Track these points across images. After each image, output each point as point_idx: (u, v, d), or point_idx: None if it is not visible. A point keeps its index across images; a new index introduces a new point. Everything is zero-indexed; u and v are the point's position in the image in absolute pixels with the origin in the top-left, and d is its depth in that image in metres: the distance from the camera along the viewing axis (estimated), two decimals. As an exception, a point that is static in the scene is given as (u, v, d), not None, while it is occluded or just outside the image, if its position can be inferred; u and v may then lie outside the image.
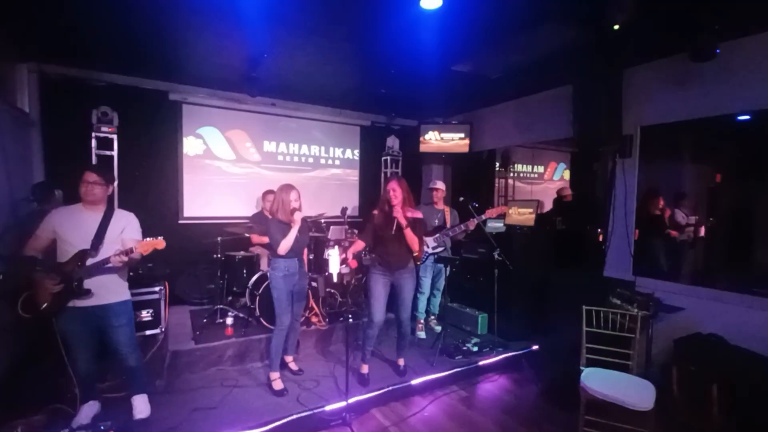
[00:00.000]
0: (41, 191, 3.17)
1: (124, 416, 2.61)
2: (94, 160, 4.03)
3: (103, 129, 4.03)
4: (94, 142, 4.04)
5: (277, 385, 3.05)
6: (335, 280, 2.73)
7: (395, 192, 3.07)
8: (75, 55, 3.80)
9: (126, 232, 2.50)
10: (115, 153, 4.13)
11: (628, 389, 2.39)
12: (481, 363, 3.66)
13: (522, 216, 4.39)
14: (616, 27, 2.70)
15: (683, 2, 2.61)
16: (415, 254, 4.12)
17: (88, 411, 2.57)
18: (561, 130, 4.33)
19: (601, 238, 4.12)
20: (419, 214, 3.23)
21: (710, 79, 3.19)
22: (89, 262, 2.37)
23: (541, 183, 7.85)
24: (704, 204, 4.74)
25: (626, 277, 3.67)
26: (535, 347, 4.00)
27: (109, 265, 2.35)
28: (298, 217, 2.93)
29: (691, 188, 4.81)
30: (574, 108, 3.80)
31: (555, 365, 3.55)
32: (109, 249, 2.40)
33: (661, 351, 3.16)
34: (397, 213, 2.97)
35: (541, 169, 7.88)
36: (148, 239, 2.41)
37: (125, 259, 2.33)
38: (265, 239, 3.19)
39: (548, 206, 5.90)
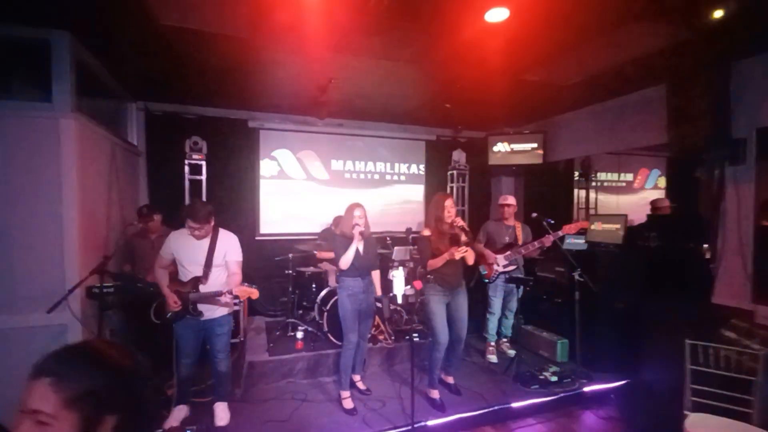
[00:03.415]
0: (145, 213, 3.62)
1: (207, 421, 2.83)
2: (187, 185, 4.53)
3: (194, 156, 4.53)
4: (186, 168, 4.55)
5: (348, 404, 3.08)
6: (399, 301, 2.68)
7: (452, 210, 3.03)
8: (172, 93, 4.35)
9: (228, 255, 2.77)
10: (203, 177, 4.61)
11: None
12: (562, 395, 3.32)
13: (607, 232, 3.95)
14: None
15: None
16: (484, 273, 3.97)
17: (178, 414, 2.82)
18: (652, 136, 3.85)
19: (708, 257, 3.53)
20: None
21: None
22: (201, 287, 2.70)
23: (631, 193, 7.02)
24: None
25: (743, 305, 3.09)
26: (626, 382, 3.53)
27: (218, 298, 2.65)
28: (356, 231, 2.99)
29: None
30: (669, 110, 3.37)
31: (651, 405, 3.10)
32: (216, 273, 2.74)
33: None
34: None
35: (629, 176, 7.04)
36: (245, 286, 2.65)
37: (229, 299, 2.65)
38: (331, 254, 3.31)
39: (639, 219, 5.24)
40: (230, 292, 2.60)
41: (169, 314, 2.71)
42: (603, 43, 2.99)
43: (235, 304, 3.79)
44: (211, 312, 2.75)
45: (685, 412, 2.36)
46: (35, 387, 0.71)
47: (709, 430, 2.10)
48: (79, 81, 2.98)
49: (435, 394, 3.16)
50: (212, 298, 2.65)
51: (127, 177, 4.12)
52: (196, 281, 2.69)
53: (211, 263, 2.70)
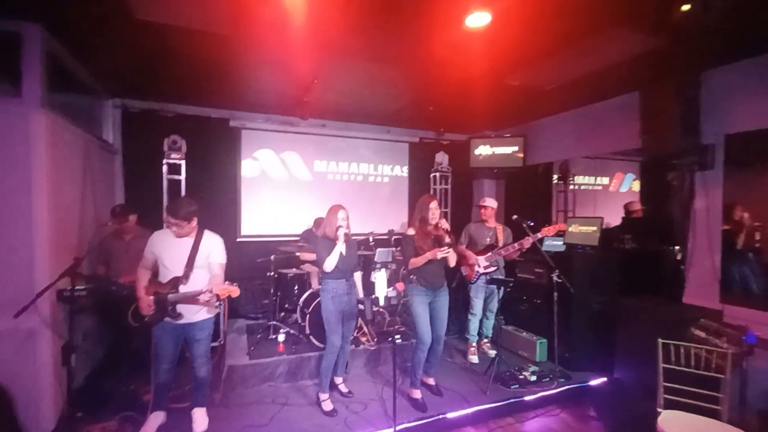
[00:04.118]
0: (118, 213, 3.51)
1: (184, 427, 2.76)
2: (165, 185, 4.41)
3: (173, 156, 4.42)
4: (165, 168, 4.43)
5: (327, 406, 3.07)
6: (381, 303, 2.68)
7: (437, 212, 3.08)
8: (150, 90, 4.23)
9: (211, 257, 2.69)
10: (182, 177, 4.50)
11: (717, 440, 2.07)
12: (540, 394, 3.38)
13: (584, 234, 4.06)
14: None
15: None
16: (465, 274, 4.01)
17: (154, 421, 2.74)
18: (627, 141, 3.97)
19: (679, 258, 3.67)
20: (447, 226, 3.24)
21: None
22: (181, 288, 2.60)
23: (606, 196, 7.24)
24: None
25: (712, 305, 3.22)
26: (602, 380, 3.63)
27: (198, 297, 2.55)
28: (341, 233, 2.98)
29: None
30: (642, 117, 3.48)
31: (625, 403, 3.19)
32: (198, 274, 2.64)
33: (761, 394, 2.70)
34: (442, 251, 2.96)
35: (605, 180, 7.27)
36: (227, 285, 2.57)
37: (209, 298, 2.53)
38: (313, 256, 3.28)
39: (614, 222, 5.40)
40: (210, 291, 2.52)
41: (147, 317, 2.63)
42: (581, 49, 3.07)
43: (216, 306, 3.72)
44: (190, 315, 2.66)
45: (658, 410, 2.44)
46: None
47: (680, 426, 2.18)
48: (52, 76, 2.87)
49: (417, 394, 3.17)
50: (192, 298, 2.56)
51: (102, 176, 3.98)
52: (176, 281, 2.60)
53: (193, 264, 2.62)
